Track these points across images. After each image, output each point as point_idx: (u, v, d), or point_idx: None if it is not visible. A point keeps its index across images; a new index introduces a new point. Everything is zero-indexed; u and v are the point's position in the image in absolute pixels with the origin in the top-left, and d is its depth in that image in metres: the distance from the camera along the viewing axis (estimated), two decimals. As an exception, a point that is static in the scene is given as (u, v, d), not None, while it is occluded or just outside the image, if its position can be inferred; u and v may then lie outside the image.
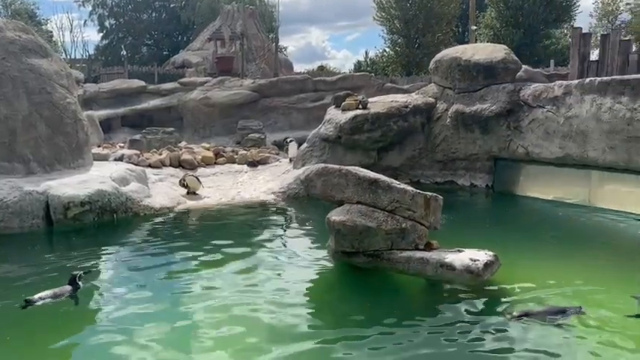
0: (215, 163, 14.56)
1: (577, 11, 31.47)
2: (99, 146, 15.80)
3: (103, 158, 12.99)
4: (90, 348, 4.79)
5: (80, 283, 6.06)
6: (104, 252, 7.79)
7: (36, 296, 5.66)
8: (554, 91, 10.65)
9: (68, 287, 5.95)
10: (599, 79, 9.99)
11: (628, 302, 5.33)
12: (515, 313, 5.26)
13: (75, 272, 6.17)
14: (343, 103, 12.78)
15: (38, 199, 8.99)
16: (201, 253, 7.54)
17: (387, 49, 36.09)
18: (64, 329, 5.17)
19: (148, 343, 4.78)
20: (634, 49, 14.58)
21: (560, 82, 11.08)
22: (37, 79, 10.38)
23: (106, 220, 9.33)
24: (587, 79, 10.19)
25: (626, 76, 9.76)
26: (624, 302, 5.40)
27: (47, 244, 8.60)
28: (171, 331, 5.06)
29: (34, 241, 8.49)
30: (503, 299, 5.69)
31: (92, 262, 7.19)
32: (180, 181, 11.78)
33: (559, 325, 5.01)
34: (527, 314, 5.22)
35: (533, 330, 4.95)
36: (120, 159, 13.06)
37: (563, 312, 5.21)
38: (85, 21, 42.37)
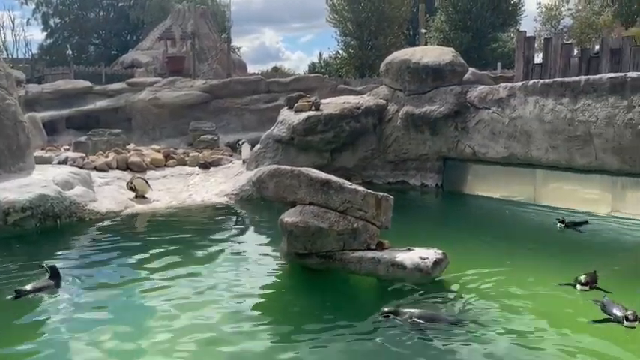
0: (165, 166, 14.22)
1: (522, 16, 32.76)
2: (42, 149, 15.14)
3: (46, 161, 12.45)
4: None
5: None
6: (47, 259, 7.42)
7: (28, 287, 5.75)
8: (499, 93, 10.99)
9: (51, 281, 6.11)
10: (541, 81, 10.39)
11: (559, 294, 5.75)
12: (385, 309, 5.22)
13: (51, 264, 6.36)
14: (296, 104, 12.77)
15: (-24, 205, 8.52)
16: (149, 259, 7.35)
17: (341, 51, 36.37)
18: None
19: (91, 350, 4.63)
20: (575, 52, 15.21)
21: (504, 84, 11.45)
22: (-28, 78, 9.86)
23: (49, 226, 8.94)
24: (531, 81, 10.58)
25: (566, 79, 10.19)
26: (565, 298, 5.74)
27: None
28: (117, 336, 4.91)
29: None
30: (451, 296, 5.83)
31: (34, 271, 6.87)
32: (127, 183, 11.45)
33: (422, 331, 4.88)
34: (395, 312, 5.15)
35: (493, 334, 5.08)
36: (64, 162, 12.55)
37: (435, 319, 5.06)
38: (29, 19, 40.60)
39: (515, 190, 10.90)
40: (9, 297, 5.75)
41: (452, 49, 13.06)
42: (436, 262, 6.16)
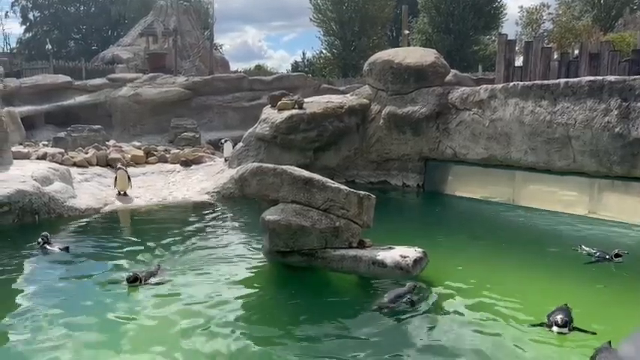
0: (146, 163, 14.11)
1: (504, 19, 33.16)
2: (20, 144, 14.87)
3: (25, 157, 12.24)
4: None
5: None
6: (23, 256, 7.31)
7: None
8: (480, 95, 11.11)
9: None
10: (521, 83, 10.54)
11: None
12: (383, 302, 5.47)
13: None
14: (279, 103, 12.76)
15: (-49, 200, 8.35)
16: (127, 255, 7.29)
17: (324, 51, 36.43)
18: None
19: (66, 345, 4.59)
20: (555, 56, 15.45)
21: (485, 85, 11.57)
22: (-52, 71, 9.65)
23: (28, 222, 8.80)
24: (511, 84, 10.72)
25: (546, 82, 10.34)
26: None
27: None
28: (95, 333, 4.88)
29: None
30: (431, 294, 5.87)
31: (11, 267, 6.76)
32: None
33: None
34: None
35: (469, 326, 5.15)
36: (43, 157, 12.35)
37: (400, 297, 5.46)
38: (7, 12, 39.94)
39: (495, 191, 11.04)
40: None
41: (434, 51, 13.18)
42: (416, 261, 6.22)
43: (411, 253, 6.30)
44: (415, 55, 12.66)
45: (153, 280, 6.16)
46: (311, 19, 34.74)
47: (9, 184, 8.95)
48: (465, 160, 11.54)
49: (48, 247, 7.47)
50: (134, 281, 5.98)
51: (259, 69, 41.52)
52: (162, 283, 6.11)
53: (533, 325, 5.00)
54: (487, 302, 5.65)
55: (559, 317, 4.81)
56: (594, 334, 4.76)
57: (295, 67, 42.79)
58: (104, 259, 7.24)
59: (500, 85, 11.07)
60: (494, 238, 8.55)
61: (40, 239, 7.56)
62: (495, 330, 5.00)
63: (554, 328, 4.80)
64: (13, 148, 11.81)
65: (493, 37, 32.89)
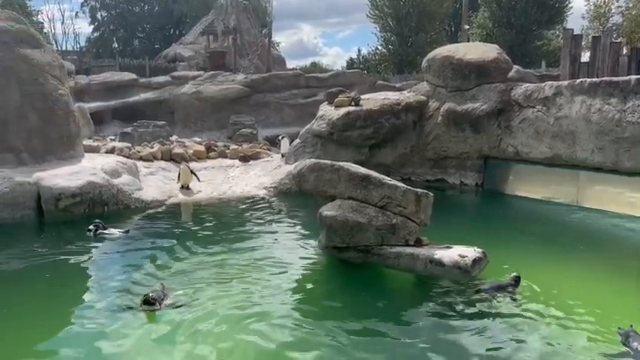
0: (207, 158, 14.57)
1: (569, 13, 31.77)
2: (90, 138, 15.70)
3: (94, 150, 12.93)
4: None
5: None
6: (94, 245, 7.78)
7: None
8: (544, 92, 10.76)
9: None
10: (589, 80, 10.11)
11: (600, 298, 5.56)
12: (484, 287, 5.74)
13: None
14: (336, 100, 12.84)
15: (29, 190, 8.97)
16: (190, 247, 7.56)
17: (380, 47, 36.18)
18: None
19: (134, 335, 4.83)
20: (624, 51, 14.73)
21: (550, 82, 11.19)
22: (29, 69, 10.32)
23: (97, 213, 9.30)
24: (578, 80, 10.30)
25: (615, 78, 9.88)
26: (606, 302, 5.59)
27: (38, 235, 8.57)
28: (161, 324, 5.07)
29: (25, 231, 8.49)
30: (487, 296, 5.74)
31: (84, 256, 7.19)
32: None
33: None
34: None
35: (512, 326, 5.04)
36: (111, 151, 13.01)
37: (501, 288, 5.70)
38: (77, 12, 42.05)
39: (557, 191, 10.65)
40: None
41: (496, 46, 12.86)
42: (475, 261, 6.12)
43: (470, 252, 6.21)
44: (477, 50, 12.41)
45: (167, 301, 5.48)
46: (367, 16, 34.61)
47: (81, 176, 9.49)
48: (528, 159, 11.19)
49: (105, 232, 7.95)
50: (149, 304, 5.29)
51: (315, 66, 41.82)
52: (179, 306, 5.41)
53: (603, 340, 4.76)
54: (548, 309, 5.42)
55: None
56: None
57: (350, 63, 42.71)
58: (170, 249, 7.54)
59: (566, 82, 10.66)
60: (558, 240, 8.27)
61: (92, 226, 8.03)
62: (557, 339, 4.82)
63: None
64: (84, 142, 12.47)
65: (557, 32, 31.64)
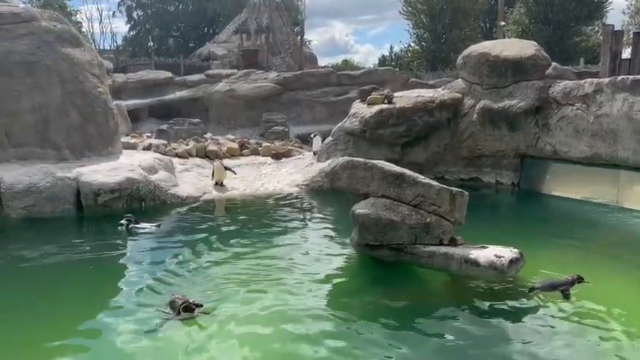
0: (240, 155, 14.73)
1: (609, 8, 30.81)
2: (127, 135, 16.07)
3: (132, 147, 13.23)
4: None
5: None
6: (134, 239, 7.98)
7: None
8: (584, 89, 10.47)
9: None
10: (631, 77, 9.79)
11: None
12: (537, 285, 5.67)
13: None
14: (369, 97, 12.78)
15: (70, 185, 9.24)
16: (226, 242, 7.67)
17: (413, 44, 35.87)
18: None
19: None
20: (668, 47, 14.18)
21: (590, 79, 10.88)
22: (70, 68, 10.62)
23: (135, 208, 9.50)
24: (619, 77, 9.99)
25: (659, 75, 9.56)
26: None
27: (78, 229, 8.83)
28: (196, 327, 5.08)
29: (66, 226, 8.74)
30: (525, 297, 5.65)
31: (121, 251, 7.37)
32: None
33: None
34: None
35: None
36: (148, 148, 13.28)
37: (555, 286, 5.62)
38: (114, 12, 43.07)
39: (597, 192, 10.36)
40: None
41: (534, 43, 12.58)
42: (512, 262, 5.97)
43: (507, 253, 6.07)
44: (514, 47, 12.15)
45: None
46: (400, 12, 34.37)
47: (119, 172, 9.72)
48: (566, 158, 10.91)
49: (137, 226, 8.15)
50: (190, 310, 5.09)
51: (346, 64, 41.76)
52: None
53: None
54: (586, 313, 5.27)
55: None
56: None
57: (382, 61, 42.51)
58: (206, 244, 7.65)
59: (607, 79, 10.34)
60: (598, 242, 8.02)
61: (123, 221, 8.20)
62: (594, 345, 4.69)
63: None
64: (122, 139, 12.76)
65: (597, 28, 30.76)
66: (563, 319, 5.13)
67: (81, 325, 5.05)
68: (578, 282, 5.68)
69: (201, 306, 5.16)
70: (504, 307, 5.41)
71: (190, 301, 5.14)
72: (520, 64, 11.59)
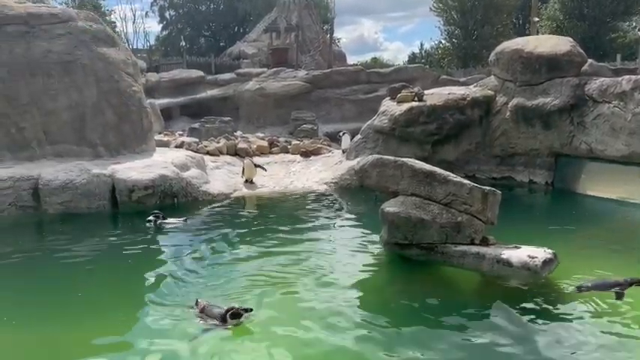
0: (269, 153, 14.85)
1: (647, 3, 29.78)
2: (160, 133, 16.37)
3: (165, 145, 13.47)
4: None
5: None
6: (167, 234, 8.13)
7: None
8: (622, 86, 10.18)
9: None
10: (672, 74, 9.48)
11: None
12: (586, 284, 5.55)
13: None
14: (399, 95, 12.70)
15: (105, 182, 9.47)
16: (256, 239, 7.75)
17: (443, 41, 35.43)
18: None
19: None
20: None
21: (628, 76, 10.56)
22: (105, 67, 10.88)
23: (167, 204, 9.69)
24: (659, 74, 9.69)
25: (702, 71, 9.21)
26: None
27: (113, 225, 9.05)
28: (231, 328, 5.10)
29: (101, 221, 8.96)
30: (559, 298, 5.52)
31: (156, 246, 7.52)
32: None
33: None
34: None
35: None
36: (180, 146, 13.50)
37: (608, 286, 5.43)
38: (147, 12, 43.85)
39: (634, 191, 10.05)
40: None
41: (569, 39, 12.27)
42: (546, 262, 5.85)
43: (540, 253, 5.95)
44: (548, 43, 11.89)
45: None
46: (431, 9, 33.96)
47: (153, 170, 9.92)
48: (602, 157, 10.62)
49: (165, 221, 8.32)
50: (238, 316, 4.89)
51: (375, 61, 41.47)
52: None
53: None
54: (619, 319, 5.08)
55: None
56: None
57: (412, 58, 42.10)
58: (237, 240, 7.75)
59: (646, 76, 10.04)
60: (633, 242, 7.76)
61: (151, 217, 8.36)
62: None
63: None
64: (155, 137, 13.01)
65: (634, 24, 29.79)
66: (611, 323, 4.97)
67: (119, 325, 5.10)
68: (637, 284, 5.41)
69: (251, 310, 4.93)
70: (537, 307, 5.30)
71: (236, 307, 4.88)
72: (555, 61, 11.33)
